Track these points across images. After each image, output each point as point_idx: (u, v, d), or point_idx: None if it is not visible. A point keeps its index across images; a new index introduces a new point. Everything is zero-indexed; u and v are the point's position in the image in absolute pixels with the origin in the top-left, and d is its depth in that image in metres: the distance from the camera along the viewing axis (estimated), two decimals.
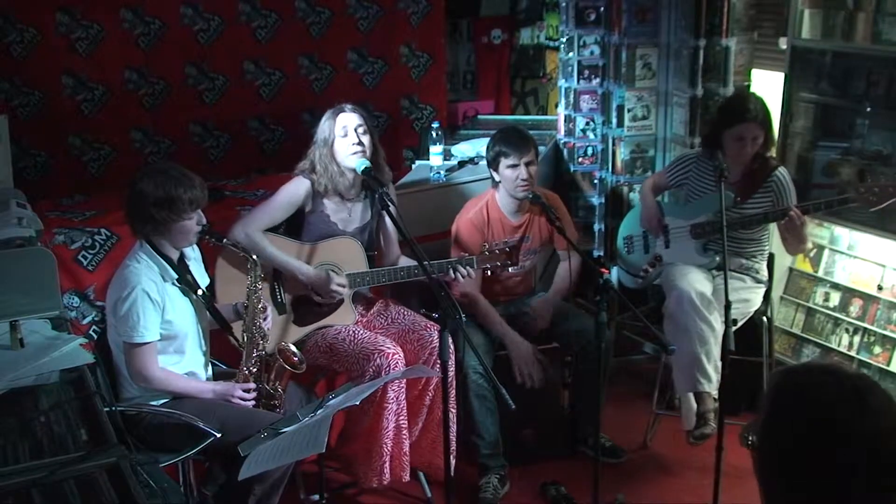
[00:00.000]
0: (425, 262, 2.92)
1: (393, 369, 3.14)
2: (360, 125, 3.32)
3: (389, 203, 3.08)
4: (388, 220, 3.45)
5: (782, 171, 3.67)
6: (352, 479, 3.44)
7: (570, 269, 3.60)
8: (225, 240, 2.99)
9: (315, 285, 3.31)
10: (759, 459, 1.43)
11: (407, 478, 3.33)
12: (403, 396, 3.29)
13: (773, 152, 3.74)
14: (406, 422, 3.30)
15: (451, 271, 3.29)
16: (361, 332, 3.33)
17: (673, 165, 3.98)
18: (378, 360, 3.14)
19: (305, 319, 3.37)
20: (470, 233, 3.59)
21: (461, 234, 3.61)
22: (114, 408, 2.37)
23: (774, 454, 1.41)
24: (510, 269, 3.43)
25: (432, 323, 3.39)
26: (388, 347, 3.20)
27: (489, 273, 3.46)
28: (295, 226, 3.42)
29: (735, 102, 3.68)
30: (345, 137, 3.30)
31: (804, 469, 1.37)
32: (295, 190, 3.37)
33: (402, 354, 3.22)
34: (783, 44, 4.06)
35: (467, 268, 3.30)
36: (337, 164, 3.33)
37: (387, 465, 3.25)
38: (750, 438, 1.50)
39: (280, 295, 3.37)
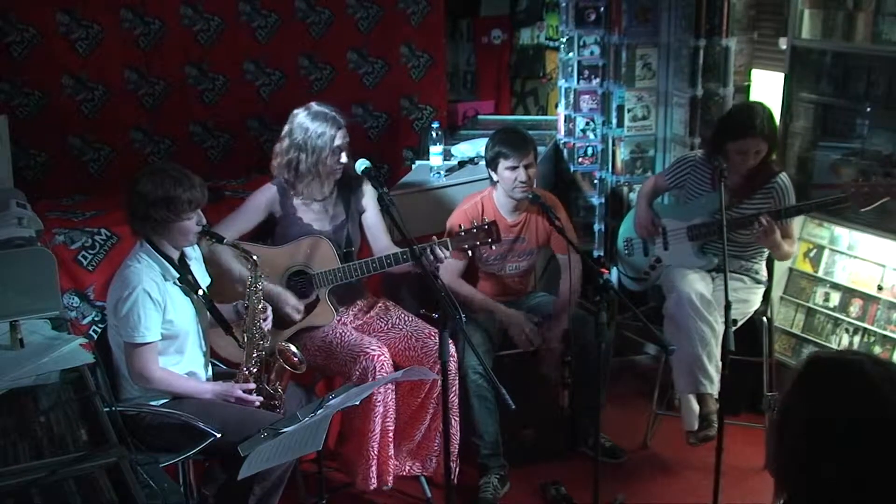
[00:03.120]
0: (398, 252, 3.01)
1: (378, 370, 3.13)
2: (347, 141, 3.36)
3: (389, 203, 3.06)
4: (369, 214, 3.47)
5: (784, 178, 3.65)
6: (351, 479, 3.44)
7: (571, 277, 3.58)
8: (225, 240, 2.99)
9: (275, 300, 3.25)
10: (800, 436, 1.47)
11: (391, 483, 3.30)
12: (392, 399, 3.27)
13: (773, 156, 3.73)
14: (393, 425, 3.28)
15: (425, 256, 3.11)
16: (348, 332, 3.32)
17: (672, 167, 3.98)
18: (364, 362, 3.14)
19: (284, 322, 3.32)
20: (462, 223, 3.57)
21: (454, 225, 3.58)
22: (114, 408, 2.37)
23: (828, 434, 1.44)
24: (493, 248, 3.41)
25: (435, 330, 3.35)
26: (373, 349, 3.18)
27: (469, 252, 3.42)
28: (268, 231, 3.42)
29: (742, 115, 3.57)
30: (337, 153, 3.32)
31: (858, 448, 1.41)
32: (260, 198, 3.40)
33: (387, 355, 3.21)
34: (783, 44, 4.06)
35: (441, 249, 3.19)
36: (321, 174, 3.35)
37: (373, 469, 3.23)
38: (775, 408, 1.56)
39: None
